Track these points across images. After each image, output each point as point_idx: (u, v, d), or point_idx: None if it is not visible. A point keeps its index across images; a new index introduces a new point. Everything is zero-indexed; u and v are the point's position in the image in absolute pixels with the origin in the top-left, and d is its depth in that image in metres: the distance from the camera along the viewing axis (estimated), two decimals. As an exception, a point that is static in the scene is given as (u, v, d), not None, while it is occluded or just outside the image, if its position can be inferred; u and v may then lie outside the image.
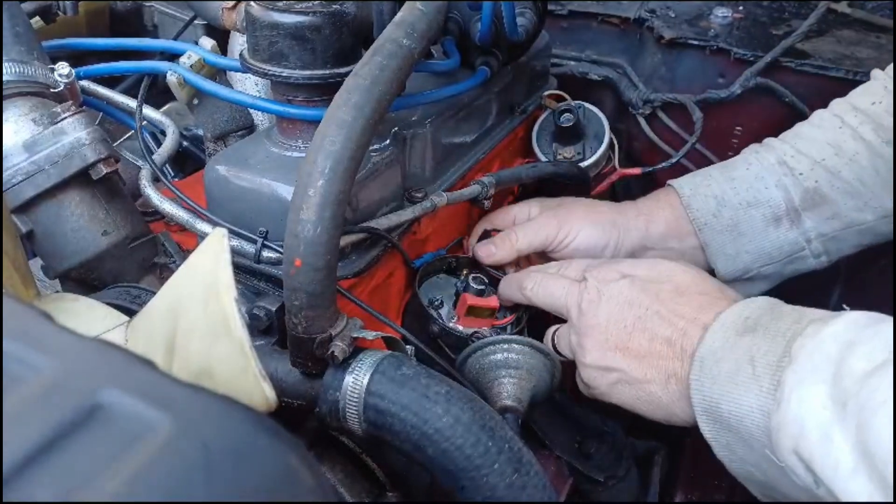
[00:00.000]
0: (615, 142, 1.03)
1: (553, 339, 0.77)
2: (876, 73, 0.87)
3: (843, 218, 0.82)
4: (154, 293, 0.58)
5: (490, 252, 0.83)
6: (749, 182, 0.84)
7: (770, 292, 0.79)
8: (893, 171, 0.80)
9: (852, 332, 0.53)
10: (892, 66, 0.84)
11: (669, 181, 0.90)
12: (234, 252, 0.63)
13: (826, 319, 0.56)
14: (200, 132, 0.89)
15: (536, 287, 0.77)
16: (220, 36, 0.85)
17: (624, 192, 1.16)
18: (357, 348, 0.57)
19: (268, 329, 0.62)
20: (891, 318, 0.53)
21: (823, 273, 0.87)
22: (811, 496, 0.52)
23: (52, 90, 0.68)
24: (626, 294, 0.70)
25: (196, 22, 0.99)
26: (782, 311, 0.62)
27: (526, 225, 0.86)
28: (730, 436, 0.59)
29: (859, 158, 0.81)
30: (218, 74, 0.78)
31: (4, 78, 0.65)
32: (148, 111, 0.79)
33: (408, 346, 0.63)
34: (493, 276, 0.82)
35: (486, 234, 0.88)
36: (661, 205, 0.87)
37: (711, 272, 0.85)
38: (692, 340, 0.64)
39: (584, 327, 0.71)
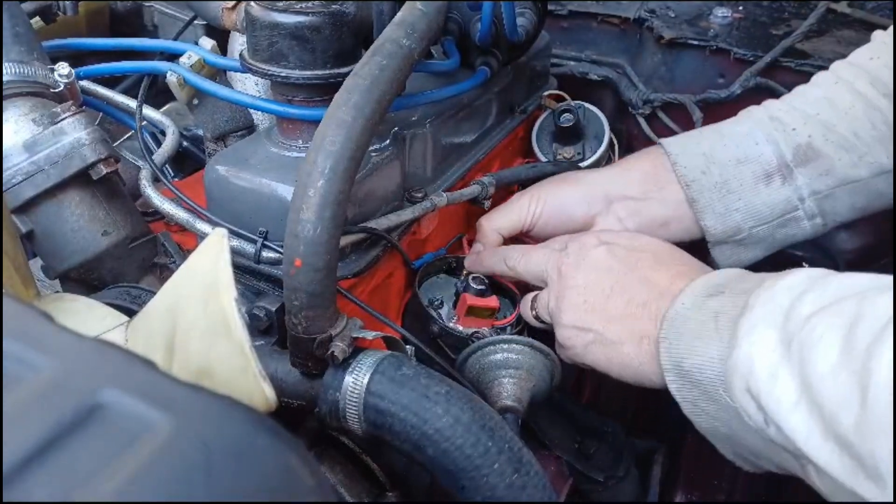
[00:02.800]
0: (615, 142, 1.03)
1: (532, 304, 0.77)
2: (877, 34, 0.85)
3: (837, 174, 0.80)
4: (154, 293, 0.58)
5: (477, 251, 0.83)
6: (739, 138, 0.82)
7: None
8: (894, 170, 0.80)
9: (805, 283, 0.56)
10: (892, 27, 0.82)
11: (660, 140, 0.89)
12: (234, 252, 0.63)
13: (783, 274, 0.59)
14: (200, 132, 0.89)
15: (519, 257, 0.78)
16: (220, 36, 0.85)
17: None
18: (357, 348, 0.57)
19: (268, 329, 0.62)
20: (844, 274, 0.56)
21: None
22: (764, 438, 0.54)
23: (52, 90, 0.68)
24: (605, 260, 0.72)
25: (196, 22, 0.99)
26: (749, 276, 0.64)
27: (496, 209, 0.87)
28: (695, 391, 0.61)
29: (855, 111, 0.80)
30: (218, 74, 0.78)
31: (4, 78, 0.66)
32: (148, 111, 0.79)
33: (408, 346, 0.63)
34: (493, 280, 0.82)
35: None
36: (640, 157, 0.87)
37: (700, 232, 0.84)
38: (665, 304, 0.65)
39: (563, 289, 0.72)
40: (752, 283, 0.61)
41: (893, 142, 0.80)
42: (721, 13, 1.16)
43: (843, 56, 1.05)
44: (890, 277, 0.52)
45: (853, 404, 0.46)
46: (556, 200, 0.84)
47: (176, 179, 0.87)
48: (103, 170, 0.65)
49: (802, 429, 0.50)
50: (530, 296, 0.78)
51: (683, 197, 0.83)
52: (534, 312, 0.77)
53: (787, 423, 0.51)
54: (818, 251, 1.12)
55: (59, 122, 0.65)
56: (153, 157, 0.72)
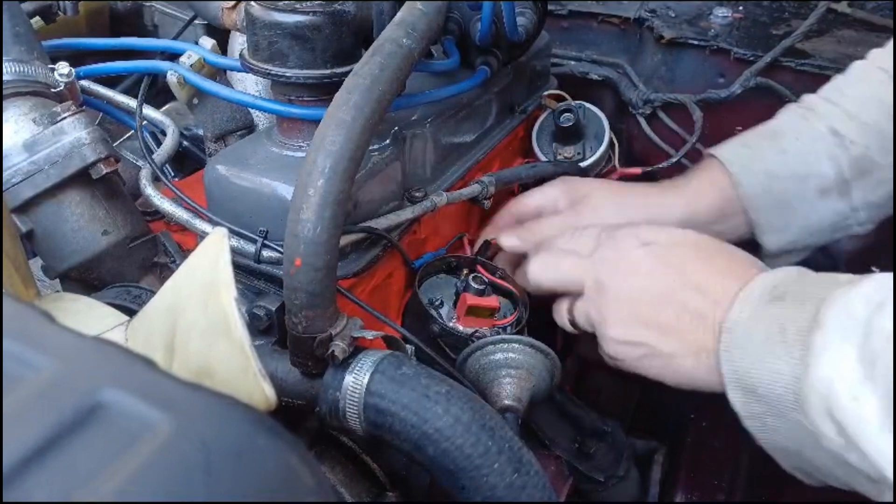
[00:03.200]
0: (615, 142, 1.03)
1: (569, 311, 0.74)
2: None
3: (890, 181, 0.80)
4: (154, 293, 0.58)
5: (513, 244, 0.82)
6: (801, 155, 0.81)
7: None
8: (894, 168, 0.80)
9: (882, 292, 0.52)
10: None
11: (713, 150, 0.86)
12: (234, 252, 0.63)
13: (855, 281, 0.55)
14: (200, 132, 0.88)
15: (543, 271, 0.75)
16: (220, 36, 0.85)
17: (624, 191, 1.16)
18: (357, 348, 0.57)
19: (268, 329, 0.62)
20: None
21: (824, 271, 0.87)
22: (840, 461, 0.52)
23: (52, 90, 0.68)
24: (648, 265, 0.68)
25: (196, 22, 0.99)
26: (811, 277, 0.61)
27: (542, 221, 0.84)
28: (760, 406, 0.58)
29: None
30: (218, 74, 0.78)
31: (4, 78, 0.65)
32: (148, 111, 0.79)
33: (408, 346, 0.63)
34: (493, 281, 0.81)
35: (486, 245, 0.87)
36: (705, 184, 0.84)
37: (752, 244, 0.83)
38: (722, 311, 0.62)
39: (607, 302, 0.69)
40: (817, 288, 0.57)
41: (894, 143, 0.80)
42: (721, 13, 1.15)
43: (844, 56, 1.05)
44: None
45: None
46: (618, 214, 0.82)
47: (176, 179, 0.87)
48: (103, 169, 0.65)
49: (888, 457, 0.47)
50: (564, 302, 0.76)
51: (743, 220, 0.83)
52: (569, 317, 0.74)
53: (872, 449, 0.48)
54: (817, 249, 1.12)
55: (59, 121, 0.65)
56: (153, 157, 0.72)
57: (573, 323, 0.74)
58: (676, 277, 0.66)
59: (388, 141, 0.72)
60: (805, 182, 0.81)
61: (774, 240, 0.83)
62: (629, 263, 0.69)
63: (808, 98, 0.86)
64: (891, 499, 0.50)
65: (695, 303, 0.64)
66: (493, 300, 0.78)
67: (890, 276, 0.53)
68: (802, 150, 0.81)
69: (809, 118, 0.83)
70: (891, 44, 0.83)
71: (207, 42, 0.79)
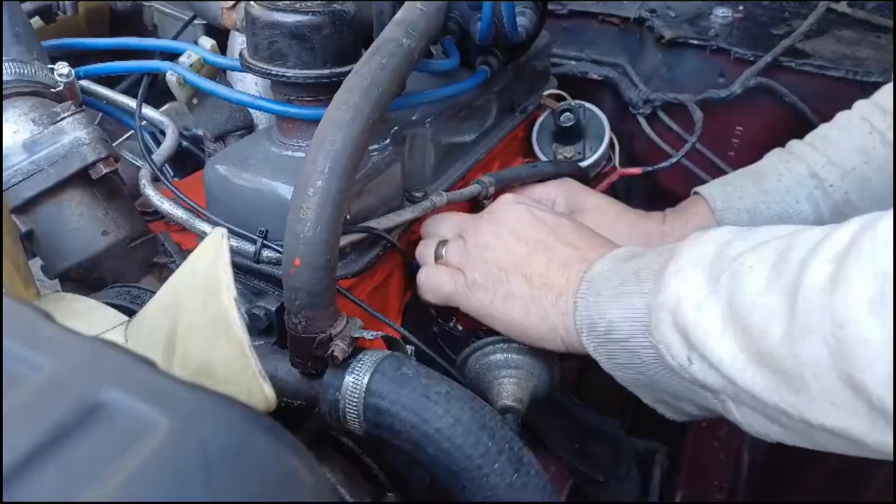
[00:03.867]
0: (615, 141, 1.03)
1: (437, 250, 0.74)
2: None
3: None
4: (154, 293, 0.58)
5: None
6: (780, 195, 0.84)
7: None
8: (894, 170, 0.80)
9: (732, 233, 0.57)
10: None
11: (698, 189, 0.89)
12: (234, 252, 0.63)
13: (707, 228, 0.61)
14: (200, 132, 0.88)
15: (430, 220, 0.77)
16: (220, 36, 0.85)
17: (624, 192, 1.16)
18: (357, 348, 0.57)
19: (267, 329, 0.62)
20: (767, 227, 0.57)
21: None
22: (682, 378, 0.56)
23: (51, 90, 0.68)
24: (527, 218, 0.71)
25: (196, 22, 0.99)
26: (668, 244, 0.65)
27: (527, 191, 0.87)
28: (612, 345, 0.62)
29: (888, 166, 0.81)
30: (218, 74, 0.78)
31: (4, 78, 0.65)
32: (148, 111, 0.79)
33: (408, 346, 0.63)
34: None
35: None
36: (690, 217, 0.87)
37: None
38: (585, 266, 0.66)
39: (482, 235, 0.71)
40: (674, 244, 0.62)
41: (894, 145, 0.80)
42: (721, 13, 1.15)
43: (844, 56, 1.05)
44: (817, 227, 0.53)
45: (781, 317, 0.48)
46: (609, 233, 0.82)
47: (176, 179, 0.87)
48: (103, 169, 0.65)
49: (727, 356, 0.51)
50: (431, 241, 0.75)
51: None
52: (440, 260, 0.74)
53: (712, 353, 0.52)
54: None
55: (58, 121, 0.64)
56: (153, 157, 0.72)
57: (439, 260, 0.74)
58: (551, 233, 0.70)
59: (388, 141, 0.72)
60: (784, 223, 0.82)
61: None
62: (510, 214, 0.72)
63: (793, 143, 0.89)
64: (732, 408, 0.54)
65: (564, 256, 0.68)
66: (493, 300, 0.77)
67: (740, 228, 0.59)
68: (781, 191, 0.84)
69: (791, 161, 0.86)
70: (878, 94, 0.85)
71: (207, 42, 0.79)
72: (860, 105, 0.86)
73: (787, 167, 0.85)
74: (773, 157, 0.88)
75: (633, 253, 0.65)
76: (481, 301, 0.70)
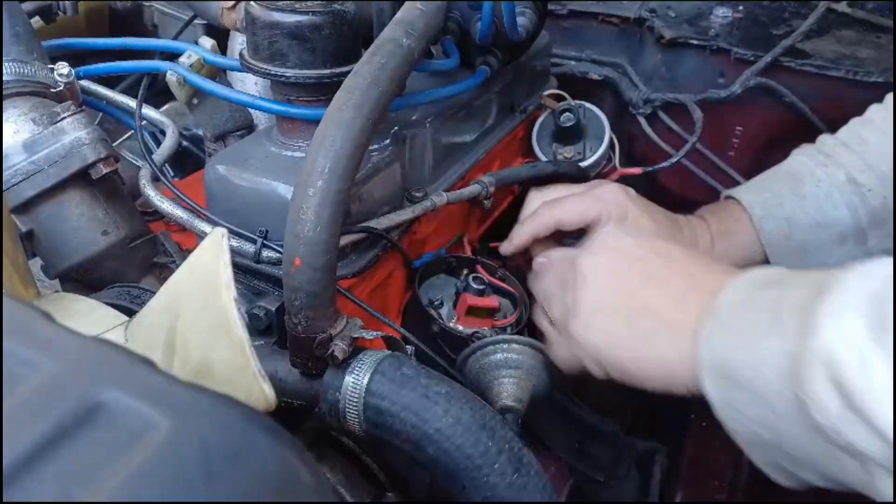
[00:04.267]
0: (615, 141, 1.03)
1: (546, 311, 0.71)
2: None
3: None
4: (154, 293, 0.58)
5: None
6: (819, 202, 0.82)
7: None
8: (893, 175, 0.80)
9: (892, 268, 0.48)
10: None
11: (732, 193, 0.85)
12: (234, 252, 0.63)
13: (863, 262, 0.50)
14: (200, 132, 0.88)
15: (534, 276, 0.75)
16: (220, 36, 0.85)
17: (624, 192, 1.16)
18: (357, 348, 0.57)
19: (268, 329, 0.62)
20: None
21: None
22: (829, 444, 0.48)
23: (51, 90, 0.68)
24: (634, 247, 0.65)
25: (196, 22, 0.99)
26: (808, 270, 0.56)
27: (566, 200, 0.81)
28: (737, 392, 0.54)
29: None
30: (218, 74, 0.78)
31: (4, 78, 0.65)
32: (148, 111, 0.79)
33: (408, 346, 0.63)
34: (492, 281, 0.81)
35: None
36: (734, 230, 0.84)
37: None
38: (707, 296, 0.58)
39: (584, 281, 0.65)
40: (819, 275, 0.53)
41: (894, 147, 0.80)
42: (721, 13, 1.16)
43: (844, 56, 1.05)
44: None
45: None
46: (650, 226, 0.80)
47: (176, 179, 0.87)
48: (103, 169, 0.65)
49: None
50: (538, 307, 0.73)
51: (760, 255, 0.83)
52: (546, 317, 0.71)
53: (884, 420, 0.44)
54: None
55: (58, 121, 0.64)
56: (153, 157, 0.72)
57: (543, 321, 0.71)
58: (665, 263, 0.64)
59: (388, 141, 0.72)
60: (823, 230, 0.81)
61: None
62: (614, 247, 0.66)
63: (827, 141, 0.85)
64: (882, 482, 0.46)
65: (682, 286, 0.61)
66: (493, 300, 0.78)
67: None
68: (821, 197, 0.82)
69: (828, 165, 0.83)
70: None
71: (207, 42, 0.79)
72: (890, 99, 0.83)
73: (825, 172, 0.82)
74: (806, 159, 0.85)
75: (770, 279, 0.57)
76: (592, 342, 0.63)
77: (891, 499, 0.46)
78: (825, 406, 0.47)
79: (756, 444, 0.55)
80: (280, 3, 0.63)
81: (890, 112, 0.83)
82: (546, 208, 0.80)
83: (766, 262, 0.83)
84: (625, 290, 0.63)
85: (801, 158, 0.86)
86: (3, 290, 0.46)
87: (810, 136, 0.89)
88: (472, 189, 0.82)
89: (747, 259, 0.83)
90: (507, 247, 0.79)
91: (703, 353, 0.56)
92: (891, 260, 0.49)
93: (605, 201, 0.79)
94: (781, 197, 0.83)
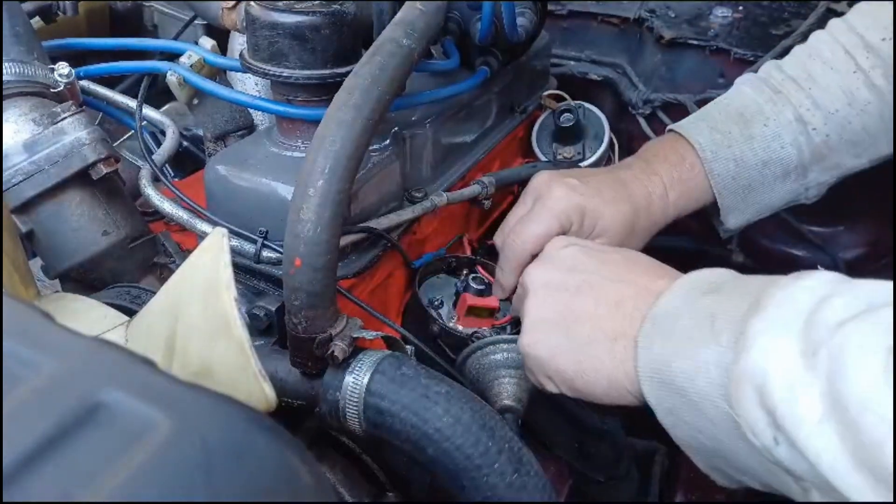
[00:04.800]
0: (615, 142, 1.03)
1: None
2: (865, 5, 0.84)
3: (842, 166, 0.84)
4: (154, 293, 0.58)
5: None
6: (767, 141, 0.83)
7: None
8: (894, 169, 0.80)
9: (827, 287, 0.48)
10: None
11: (681, 131, 0.85)
12: (234, 252, 0.63)
13: (799, 275, 0.51)
14: (200, 132, 0.89)
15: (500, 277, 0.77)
16: (220, 36, 0.85)
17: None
18: (357, 348, 0.57)
19: (268, 329, 0.62)
20: (866, 280, 0.48)
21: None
22: (764, 457, 0.48)
23: (52, 90, 0.68)
24: (571, 258, 0.66)
25: (196, 22, 0.99)
26: (747, 277, 0.57)
27: (528, 218, 0.78)
28: (676, 399, 0.54)
29: (870, 108, 0.81)
30: (218, 74, 0.78)
31: (4, 78, 0.65)
32: (148, 111, 0.79)
33: (408, 346, 0.63)
34: (492, 281, 0.81)
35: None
36: (686, 177, 0.83)
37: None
38: (645, 302, 0.59)
39: (527, 293, 0.66)
40: (757, 283, 0.53)
41: (894, 139, 0.80)
42: (721, 13, 1.16)
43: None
44: None
45: None
46: (614, 220, 0.78)
47: (176, 179, 0.87)
48: (103, 169, 0.65)
49: (826, 454, 0.43)
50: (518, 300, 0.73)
51: (710, 196, 0.85)
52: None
53: (806, 445, 0.44)
54: (818, 251, 1.12)
55: (59, 121, 0.65)
56: (153, 157, 0.72)
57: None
58: (598, 270, 0.64)
59: (388, 141, 0.72)
60: (769, 167, 0.84)
61: (734, 220, 0.86)
62: (555, 258, 0.67)
63: (774, 74, 0.86)
64: (818, 499, 0.46)
65: (615, 293, 0.61)
66: (493, 300, 0.78)
67: (836, 275, 0.50)
68: (768, 136, 0.83)
69: (777, 102, 0.84)
70: (854, 16, 0.83)
71: (207, 42, 0.79)
72: (839, 30, 0.83)
73: (774, 110, 0.84)
74: (754, 93, 0.85)
75: (709, 284, 0.57)
76: (537, 353, 0.63)
77: None
78: (756, 427, 0.47)
79: (698, 450, 0.55)
80: (280, 3, 0.63)
81: (839, 45, 0.83)
82: (511, 246, 0.77)
83: (714, 202, 0.85)
84: (562, 301, 0.63)
85: (748, 92, 0.86)
86: (3, 290, 0.46)
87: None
88: (472, 189, 0.82)
89: (699, 201, 0.85)
90: (500, 293, 0.78)
91: (642, 359, 0.56)
92: (820, 273, 0.50)
93: (554, 208, 0.76)
94: (731, 138, 0.84)
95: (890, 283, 0.46)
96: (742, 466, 0.52)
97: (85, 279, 0.68)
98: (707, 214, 0.88)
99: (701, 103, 1.08)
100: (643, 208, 0.81)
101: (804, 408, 0.44)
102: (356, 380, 0.55)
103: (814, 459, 0.43)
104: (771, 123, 0.84)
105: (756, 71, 0.97)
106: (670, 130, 0.89)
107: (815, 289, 0.49)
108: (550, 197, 0.77)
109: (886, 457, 0.40)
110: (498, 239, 0.81)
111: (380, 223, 0.69)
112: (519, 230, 0.77)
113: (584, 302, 0.62)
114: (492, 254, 0.89)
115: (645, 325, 0.57)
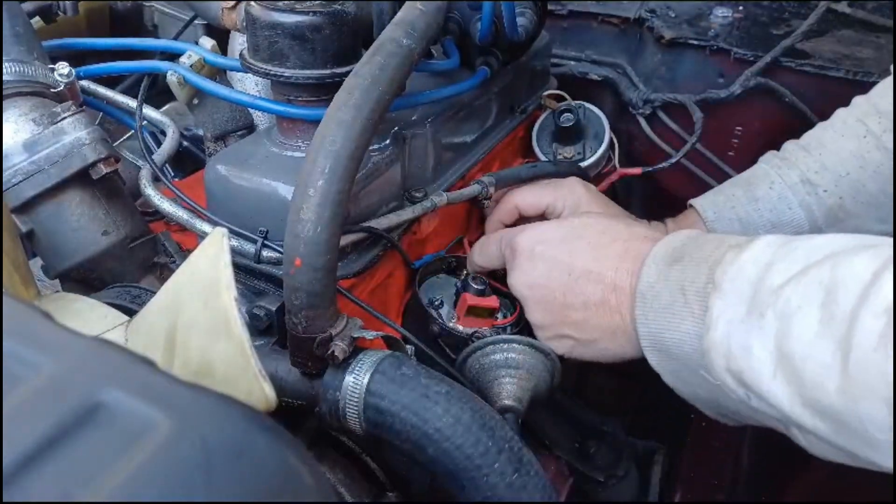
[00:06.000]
0: (615, 142, 1.03)
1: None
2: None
3: (866, 230, 0.82)
4: (154, 293, 0.58)
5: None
6: (773, 203, 0.84)
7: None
8: (893, 174, 0.80)
9: (769, 253, 0.57)
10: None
11: (691, 201, 0.89)
12: (234, 252, 0.63)
13: (742, 245, 0.59)
14: (200, 132, 0.89)
15: (476, 253, 0.80)
16: (220, 36, 0.85)
17: (624, 191, 1.16)
18: (357, 348, 0.57)
19: (268, 329, 0.62)
20: (805, 237, 0.57)
21: None
22: (747, 406, 0.56)
23: (52, 90, 0.68)
24: (543, 264, 0.71)
25: (196, 22, 0.99)
26: (705, 238, 0.64)
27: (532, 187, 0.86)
28: (674, 363, 0.62)
29: (883, 170, 0.80)
30: (218, 74, 0.78)
31: (4, 78, 0.65)
32: (148, 111, 0.79)
33: (408, 346, 0.63)
34: (492, 282, 0.81)
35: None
36: (682, 227, 0.86)
37: None
38: (625, 291, 0.66)
39: (527, 307, 0.73)
40: (709, 249, 0.61)
41: (894, 142, 0.80)
42: (721, 13, 1.16)
43: (844, 56, 1.05)
44: (857, 237, 0.53)
45: (834, 370, 0.48)
46: None
47: (176, 179, 0.87)
48: (103, 169, 0.65)
49: (783, 400, 0.51)
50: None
51: None
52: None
53: (768, 395, 0.52)
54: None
55: (59, 121, 0.65)
56: (153, 157, 0.72)
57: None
58: (571, 270, 0.70)
59: (388, 141, 0.72)
60: (778, 229, 0.83)
61: None
62: (528, 266, 0.73)
63: (788, 146, 0.88)
64: (798, 434, 0.54)
65: (597, 292, 0.68)
66: (493, 300, 0.78)
67: (777, 238, 0.58)
68: (773, 198, 0.84)
69: (783, 167, 0.85)
70: (875, 91, 0.84)
71: (207, 42, 0.79)
72: (858, 103, 0.85)
73: (779, 173, 0.85)
74: (765, 164, 0.88)
75: (672, 253, 0.64)
76: (559, 350, 0.72)
77: (805, 444, 0.54)
78: (729, 387, 0.56)
79: (702, 403, 0.63)
80: (280, 3, 0.63)
81: (852, 115, 0.84)
82: (506, 196, 0.85)
83: None
84: (555, 311, 0.70)
85: (762, 165, 0.88)
86: (3, 290, 0.46)
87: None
88: (472, 189, 0.82)
89: None
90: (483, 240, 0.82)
91: (642, 334, 0.64)
92: (763, 238, 0.58)
93: (561, 189, 0.84)
94: (734, 200, 0.85)
95: (824, 237, 0.55)
96: (739, 414, 0.60)
97: (85, 279, 0.68)
98: None
99: (701, 103, 1.09)
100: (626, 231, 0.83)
101: (759, 365, 0.53)
102: (356, 380, 0.55)
103: (776, 404, 0.52)
104: (776, 186, 0.84)
105: (755, 71, 0.98)
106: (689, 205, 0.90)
107: (758, 258, 0.57)
108: (563, 181, 0.87)
109: (828, 396, 0.48)
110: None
111: (380, 223, 0.69)
112: (520, 189, 0.85)
113: (573, 309, 0.69)
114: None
115: (638, 303, 0.64)
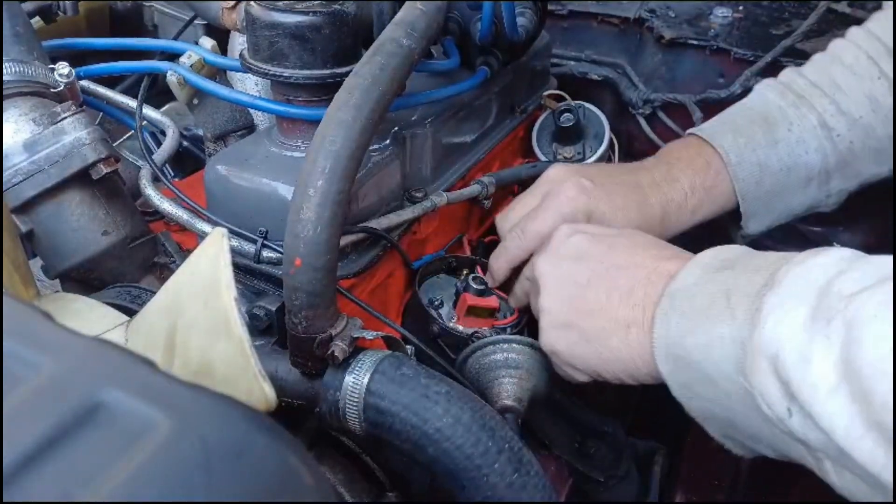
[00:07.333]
0: (615, 142, 1.03)
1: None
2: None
3: (864, 174, 0.83)
4: (154, 293, 0.58)
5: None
6: (791, 146, 0.82)
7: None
8: (894, 165, 0.80)
9: (841, 262, 0.50)
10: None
11: (704, 136, 0.84)
12: (234, 252, 0.63)
13: (815, 251, 0.53)
14: (200, 132, 0.89)
15: (494, 258, 0.77)
16: (220, 36, 0.85)
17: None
18: (357, 348, 0.57)
19: (268, 329, 0.62)
20: (876, 255, 0.50)
21: None
22: (777, 427, 0.50)
23: (52, 90, 0.68)
24: (578, 248, 0.67)
25: (196, 22, 0.99)
26: (760, 253, 0.59)
27: (534, 212, 0.78)
28: (691, 373, 0.56)
29: (892, 114, 0.80)
30: (218, 74, 0.78)
31: (4, 78, 0.65)
32: (148, 111, 0.79)
33: (408, 346, 0.63)
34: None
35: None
36: (710, 183, 0.82)
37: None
38: (656, 287, 0.61)
39: (541, 288, 0.68)
40: (770, 261, 0.55)
41: (893, 136, 0.80)
42: (721, 13, 1.16)
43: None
44: None
45: None
46: (614, 215, 0.77)
47: (176, 179, 0.87)
48: (103, 169, 0.65)
49: (840, 420, 0.44)
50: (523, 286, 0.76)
51: (733, 202, 0.83)
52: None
53: (821, 413, 0.45)
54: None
55: (59, 121, 0.65)
56: (153, 157, 0.72)
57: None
58: (605, 258, 0.66)
59: (388, 141, 0.72)
60: (792, 173, 0.83)
61: (754, 225, 0.85)
62: (563, 249, 0.69)
63: (796, 80, 0.85)
64: (829, 469, 0.48)
65: (624, 281, 0.63)
66: (493, 300, 0.78)
67: (848, 251, 0.52)
68: (792, 142, 0.82)
69: (801, 107, 0.83)
70: (874, 24, 0.83)
71: (207, 42, 0.79)
72: (860, 37, 0.83)
73: (797, 114, 0.83)
74: (777, 98, 0.84)
75: (723, 261, 0.58)
76: (560, 354, 0.66)
77: (838, 483, 0.47)
78: (770, 398, 0.49)
79: (712, 420, 0.58)
80: (280, 3, 0.63)
81: (859, 49, 0.83)
82: (514, 240, 0.78)
83: (736, 208, 0.83)
84: (574, 295, 0.65)
85: (771, 97, 0.85)
86: (3, 290, 0.46)
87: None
88: (472, 189, 0.82)
89: (722, 207, 0.84)
90: (491, 281, 0.79)
91: (658, 335, 0.59)
92: (835, 249, 0.52)
93: (562, 209, 0.76)
94: (755, 143, 0.83)
95: None
96: (755, 436, 0.54)
97: (85, 279, 0.68)
98: (723, 220, 0.86)
99: (701, 103, 1.09)
100: (656, 218, 0.80)
101: (817, 376, 0.45)
102: (356, 380, 0.55)
103: (827, 425, 0.45)
104: (795, 128, 0.83)
105: (756, 71, 0.98)
106: (691, 134, 0.87)
107: (828, 265, 0.50)
108: (560, 195, 0.77)
109: None
110: (501, 224, 0.82)
111: (380, 223, 0.69)
112: (524, 226, 0.77)
113: (595, 293, 0.64)
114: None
115: (662, 303, 0.59)
